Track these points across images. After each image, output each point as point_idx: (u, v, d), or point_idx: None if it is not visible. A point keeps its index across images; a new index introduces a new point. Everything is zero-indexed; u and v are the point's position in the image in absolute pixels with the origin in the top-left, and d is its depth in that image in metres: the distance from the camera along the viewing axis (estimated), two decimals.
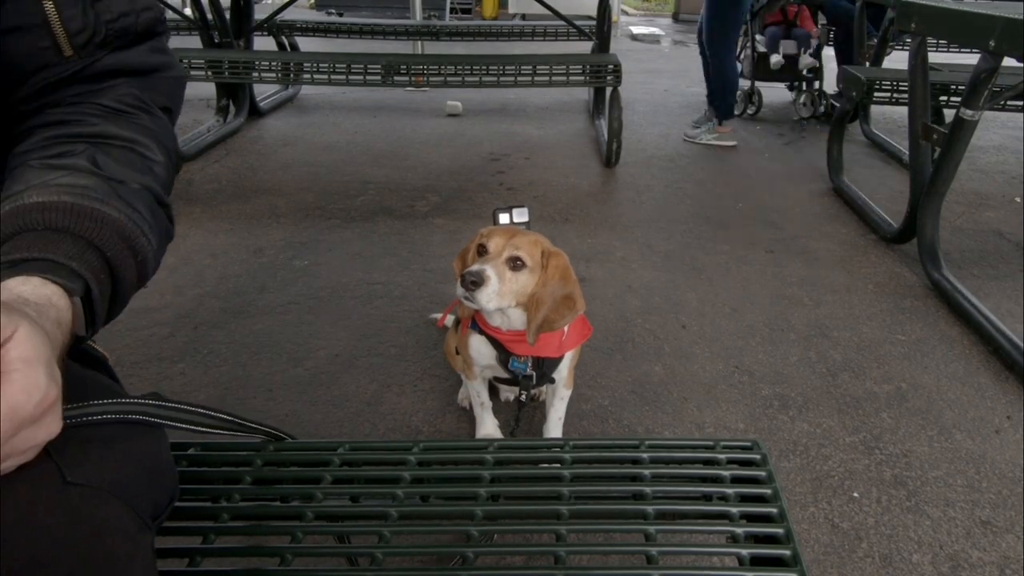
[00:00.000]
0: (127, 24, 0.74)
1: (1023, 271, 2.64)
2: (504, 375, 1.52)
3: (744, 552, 0.74)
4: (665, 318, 2.27)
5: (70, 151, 0.68)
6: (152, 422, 0.65)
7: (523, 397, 1.49)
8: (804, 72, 4.77)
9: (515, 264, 1.32)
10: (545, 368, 1.47)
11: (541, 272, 1.34)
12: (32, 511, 0.54)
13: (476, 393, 1.62)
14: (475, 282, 1.26)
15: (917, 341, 2.18)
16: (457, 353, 1.62)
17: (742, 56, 4.98)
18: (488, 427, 1.64)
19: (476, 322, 1.46)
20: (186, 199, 3.12)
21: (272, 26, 4.99)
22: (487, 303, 1.29)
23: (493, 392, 1.74)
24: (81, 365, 0.67)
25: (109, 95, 0.74)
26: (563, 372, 1.53)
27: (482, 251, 1.36)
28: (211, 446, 0.89)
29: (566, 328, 1.41)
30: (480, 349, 1.48)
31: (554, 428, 1.61)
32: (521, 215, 1.50)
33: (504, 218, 1.51)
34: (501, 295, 1.30)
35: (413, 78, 3.50)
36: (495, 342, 1.44)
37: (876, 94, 3.23)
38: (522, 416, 1.55)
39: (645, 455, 0.88)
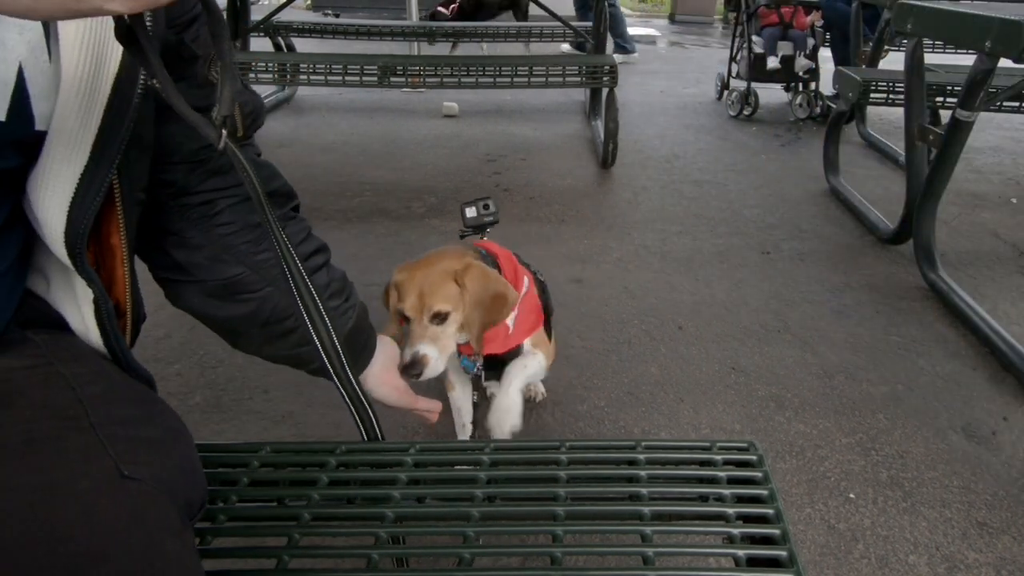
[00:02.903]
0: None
1: (1019, 272, 2.65)
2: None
3: (740, 553, 0.74)
4: (661, 319, 2.27)
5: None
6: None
7: (475, 397, 1.45)
8: (800, 74, 4.79)
9: (439, 318, 1.25)
10: (504, 360, 1.42)
11: (463, 299, 1.26)
12: (93, 505, 0.55)
13: (457, 411, 1.53)
14: (418, 373, 1.21)
15: (913, 342, 2.18)
16: None
17: (738, 57, 5.00)
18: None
19: None
20: None
21: (269, 27, 4.98)
22: (438, 372, 1.24)
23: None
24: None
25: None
26: (525, 355, 1.45)
27: (400, 314, 1.28)
28: (207, 447, 0.89)
29: (510, 322, 1.36)
30: None
31: (504, 394, 1.40)
32: (488, 208, 1.45)
33: (471, 212, 1.45)
34: (444, 352, 1.25)
35: (410, 79, 3.50)
36: None
37: (872, 95, 3.23)
38: (478, 418, 1.47)
39: (641, 456, 0.88)
